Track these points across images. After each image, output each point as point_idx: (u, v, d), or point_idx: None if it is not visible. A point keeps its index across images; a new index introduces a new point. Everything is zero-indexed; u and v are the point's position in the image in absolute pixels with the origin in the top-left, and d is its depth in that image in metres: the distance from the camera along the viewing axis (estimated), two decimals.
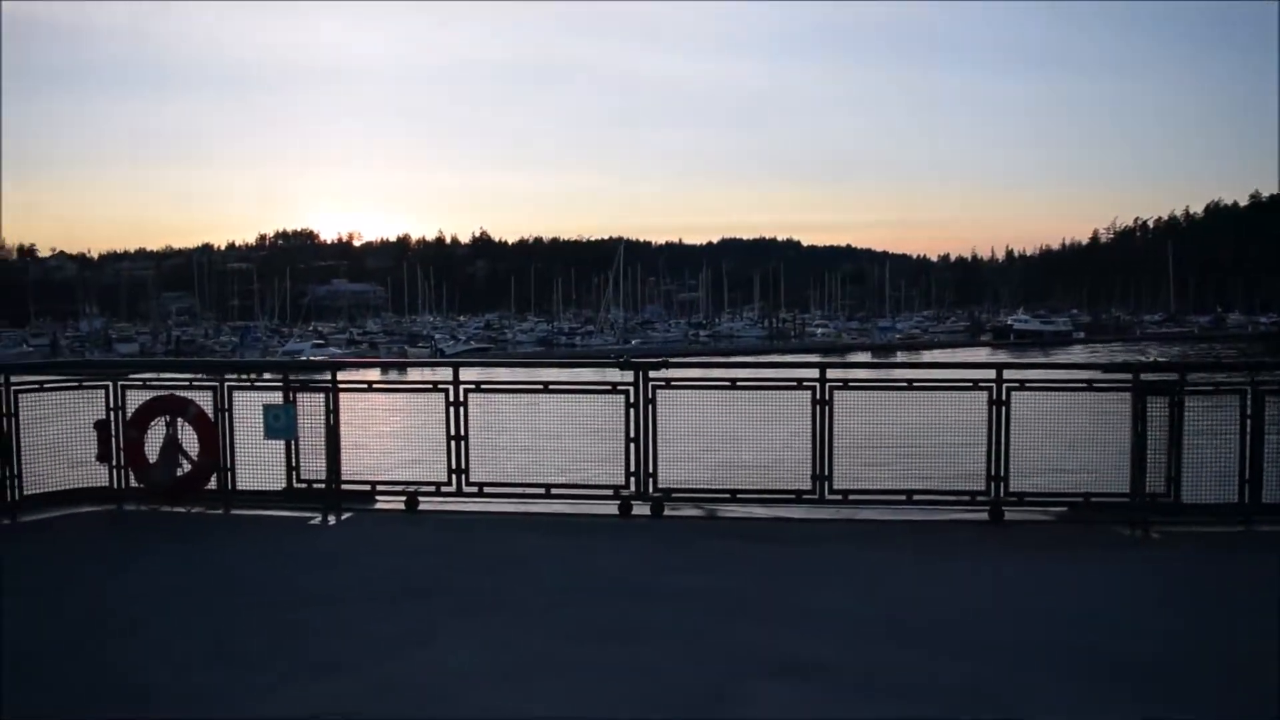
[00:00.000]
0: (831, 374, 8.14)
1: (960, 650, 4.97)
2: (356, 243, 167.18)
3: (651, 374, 8.23)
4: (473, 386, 8.47)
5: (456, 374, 8.43)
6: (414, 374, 9.90)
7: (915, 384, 8.40)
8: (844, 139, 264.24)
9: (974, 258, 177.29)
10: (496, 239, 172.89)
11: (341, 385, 8.45)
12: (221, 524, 8.24)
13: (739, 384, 8.39)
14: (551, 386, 8.52)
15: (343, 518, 8.26)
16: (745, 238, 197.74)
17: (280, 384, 8.48)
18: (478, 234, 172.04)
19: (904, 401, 8.25)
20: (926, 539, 7.56)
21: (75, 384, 8.67)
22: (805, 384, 8.12)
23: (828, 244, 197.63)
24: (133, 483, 8.59)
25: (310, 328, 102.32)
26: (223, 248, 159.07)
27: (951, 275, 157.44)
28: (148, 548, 7.56)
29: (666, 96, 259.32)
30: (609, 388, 8.32)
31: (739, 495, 8.21)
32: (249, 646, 5.24)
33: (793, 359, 44.61)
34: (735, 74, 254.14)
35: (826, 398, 8.00)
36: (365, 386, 8.57)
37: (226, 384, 8.52)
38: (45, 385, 8.52)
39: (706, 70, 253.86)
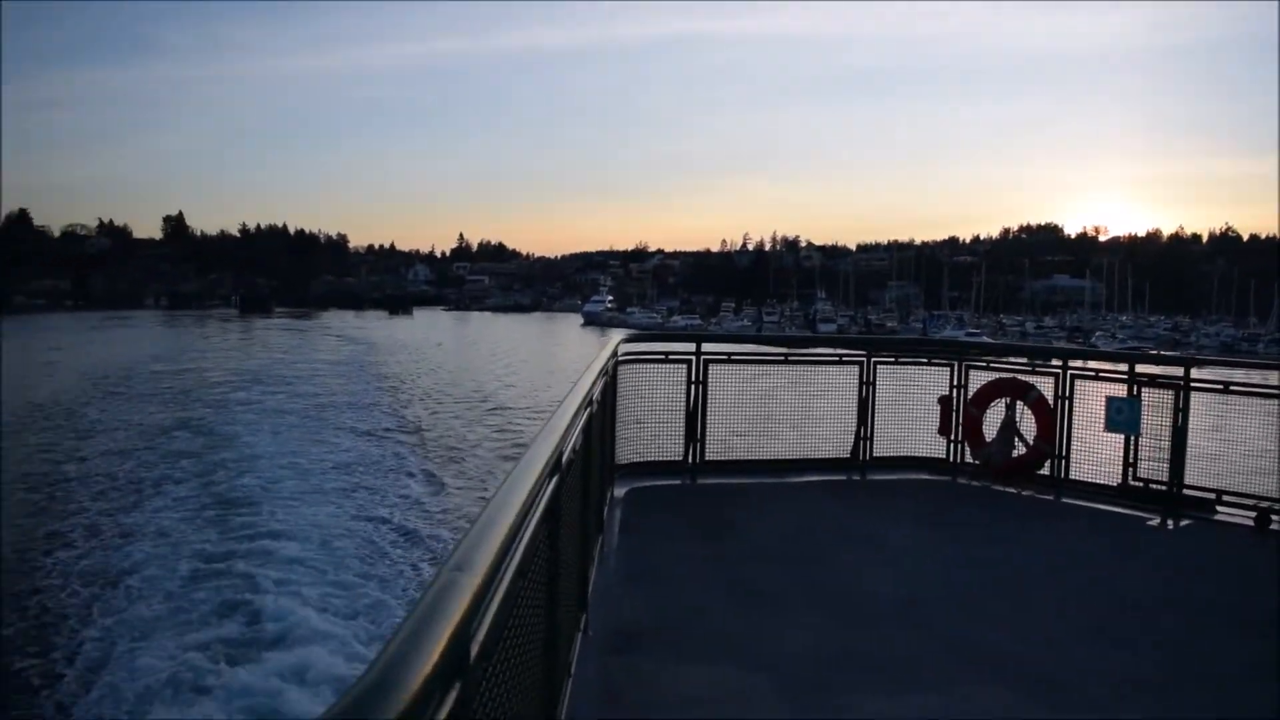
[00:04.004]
0: None
1: None
2: (1102, 238, 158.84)
3: None
4: None
5: None
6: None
7: None
8: None
9: None
10: (1259, 235, 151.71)
11: (1194, 383, 8.02)
12: (1053, 510, 8.32)
13: None
14: None
15: (1181, 524, 7.88)
16: None
17: (1126, 377, 8.34)
18: (1219, 230, 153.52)
19: None
20: None
21: (924, 361, 9.44)
22: None
23: None
24: (967, 458, 9.12)
25: (997, 319, 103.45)
26: (968, 240, 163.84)
27: None
28: (983, 521, 7.96)
29: None
30: None
31: None
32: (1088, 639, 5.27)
33: None
34: None
35: None
36: (1222, 388, 8.01)
37: (1069, 372, 8.61)
38: (900, 360, 9.41)
39: None
